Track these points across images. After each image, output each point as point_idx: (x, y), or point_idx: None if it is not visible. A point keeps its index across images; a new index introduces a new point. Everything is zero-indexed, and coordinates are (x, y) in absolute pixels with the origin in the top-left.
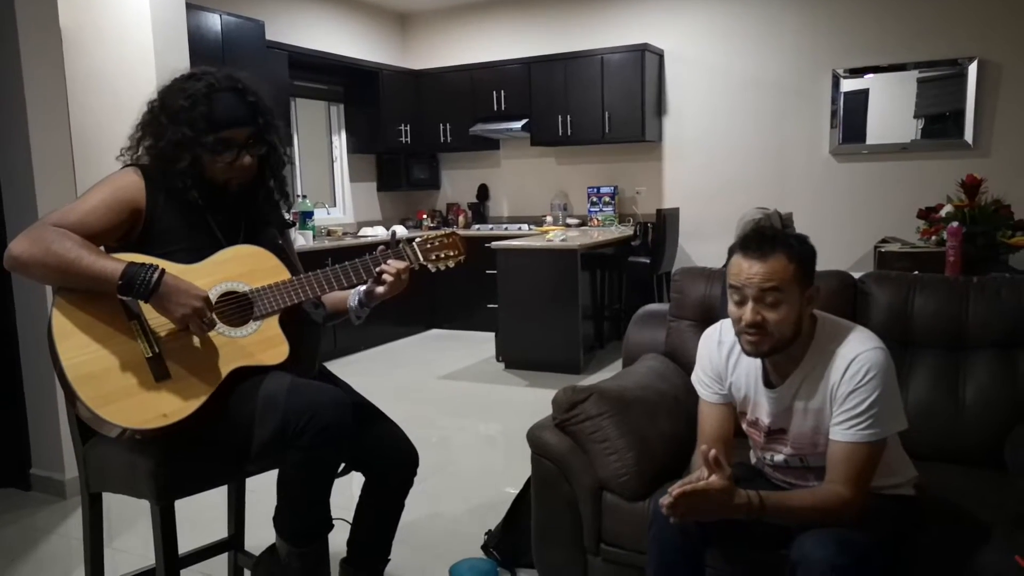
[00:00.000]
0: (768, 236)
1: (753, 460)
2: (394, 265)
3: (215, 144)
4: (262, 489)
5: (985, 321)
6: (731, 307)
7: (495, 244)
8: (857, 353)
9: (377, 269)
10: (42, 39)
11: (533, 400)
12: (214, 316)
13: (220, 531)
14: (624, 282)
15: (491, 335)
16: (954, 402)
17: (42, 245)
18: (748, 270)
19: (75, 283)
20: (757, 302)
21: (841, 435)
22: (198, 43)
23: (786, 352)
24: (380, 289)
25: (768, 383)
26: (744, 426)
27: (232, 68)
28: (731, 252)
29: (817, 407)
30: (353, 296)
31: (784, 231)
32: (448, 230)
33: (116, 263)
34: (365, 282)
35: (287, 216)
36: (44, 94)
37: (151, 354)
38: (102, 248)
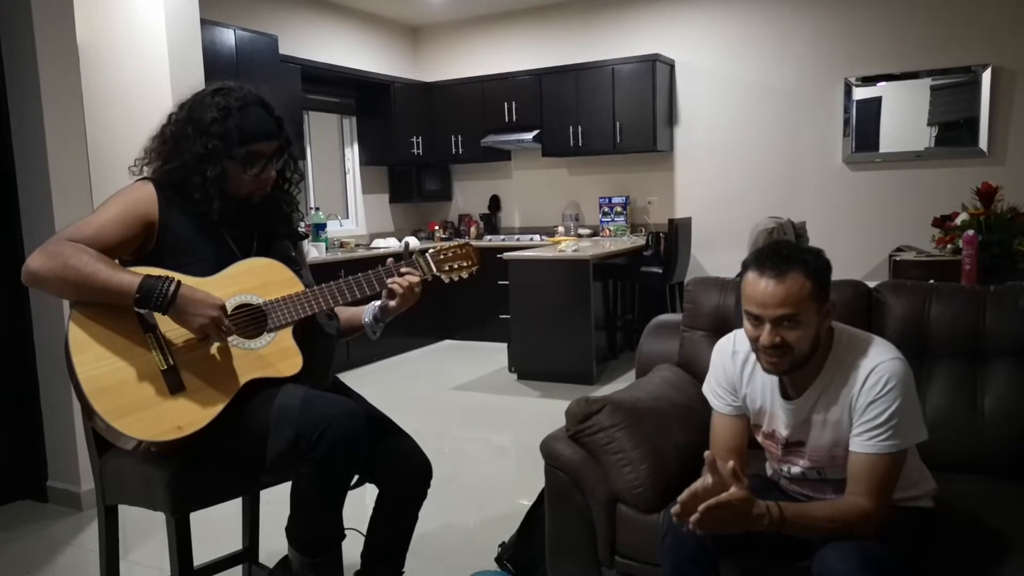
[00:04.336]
0: (784, 253)
1: (769, 472)
2: (407, 278)
3: (245, 157)
4: (276, 501)
5: (1003, 330)
6: (747, 326)
7: (507, 255)
8: (876, 364)
9: (390, 281)
10: (60, 55)
11: (546, 411)
12: (230, 324)
13: (235, 543)
14: (637, 292)
15: (504, 346)
16: (972, 412)
17: (59, 260)
18: (765, 290)
19: (92, 297)
20: (775, 324)
21: (862, 447)
22: (213, 58)
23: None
24: (393, 302)
25: (786, 395)
26: (760, 438)
27: (252, 84)
28: (745, 267)
29: (836, 419)
30: (368, 311)
31: (799, 246)
32: (462, 240)
33: (132, 276)
34: (378, 293)
35: (300, 228)
36: (61, 109)
37: (166, 366)
38: (116, 261)
